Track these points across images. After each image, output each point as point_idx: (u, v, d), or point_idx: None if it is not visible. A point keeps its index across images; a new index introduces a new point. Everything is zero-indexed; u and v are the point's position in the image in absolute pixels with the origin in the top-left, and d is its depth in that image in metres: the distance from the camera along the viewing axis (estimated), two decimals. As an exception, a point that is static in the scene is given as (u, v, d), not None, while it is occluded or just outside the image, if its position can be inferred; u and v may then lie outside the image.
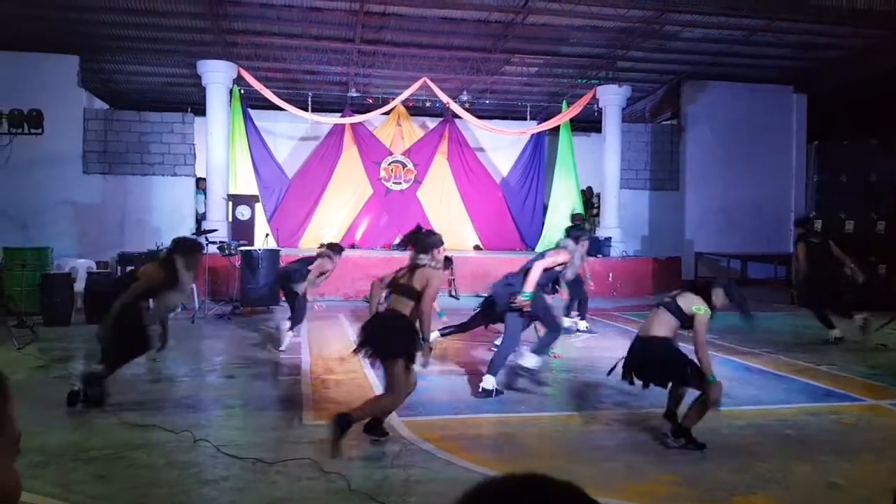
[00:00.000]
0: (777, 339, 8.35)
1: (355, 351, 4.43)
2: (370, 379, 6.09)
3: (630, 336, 8.43)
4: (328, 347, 7.66)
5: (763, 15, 11.56)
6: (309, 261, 7.80)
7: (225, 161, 12.76)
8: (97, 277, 9.14)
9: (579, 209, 14.67)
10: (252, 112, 13.85)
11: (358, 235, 14.55)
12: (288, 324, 7.55)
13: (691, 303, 4.32)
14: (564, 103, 14.73)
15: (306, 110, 13.50)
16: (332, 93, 14.53)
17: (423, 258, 4.46)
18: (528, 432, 4.75)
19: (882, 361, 7.14)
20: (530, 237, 14.99)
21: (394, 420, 4.77)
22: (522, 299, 5.59)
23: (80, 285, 9.18)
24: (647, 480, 3.89)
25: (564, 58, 13.37)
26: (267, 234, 12.61)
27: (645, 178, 15.34)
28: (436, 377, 6.22)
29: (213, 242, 10.15)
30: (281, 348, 7.35)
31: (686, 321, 4.34)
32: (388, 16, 11.16)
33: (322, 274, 7.78)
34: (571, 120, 14.63)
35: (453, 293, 11.60)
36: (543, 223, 14.93)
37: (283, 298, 8.25)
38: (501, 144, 15.43)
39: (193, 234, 11.86)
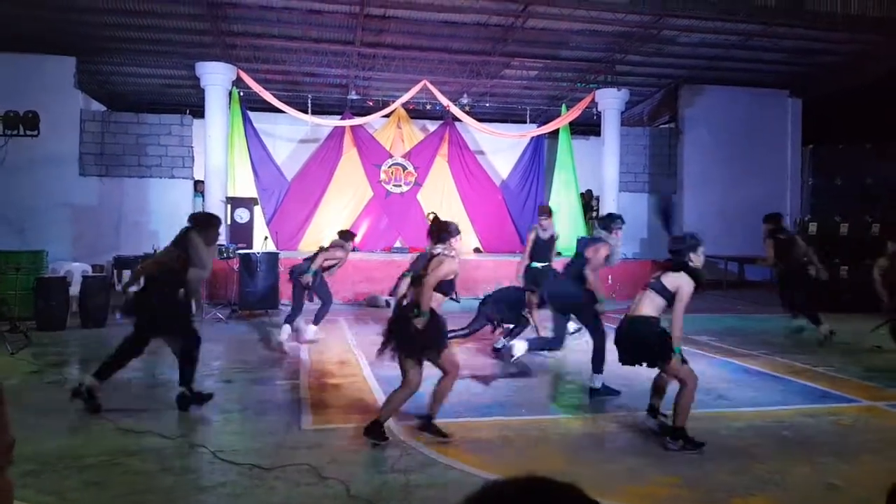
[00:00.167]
0: (774, 341, 8.36)
1: (381, 350, 4.51)
2: (369, 383, 6.06)
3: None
4: (327, 351, 7.62)
5: (759, 20, 11.62)
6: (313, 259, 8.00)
7: (223, 163, 12.73)
8: (92, 281, 9.08)
9: (578, 212, 14.67)
10: (251, 114, 13.82)
11: (358, 238, 14.45)
12: (310, 324, 8.07)
13: (681, 281, 4.43)
14: (564, 107, 14.73)
15: (306, 113, 13.48)
16: (332, 95, 14.52)
17: (439, 247, 4.54)
18: (529, 435, 4.73)
19: (878, 363, 7.18)
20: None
21: (393, 424, 4.73)
22: (601, 307, 6.01)
23: (75, 289, 9.13)
24: (647, 482, 3.88)
25: (564, 61, 13.39)
26: (266, 237, 12.56)
27: (643, 180, 15.35)
28: (434, 381, 6.17)
29: (212, 245, 10.10)
30: (308, 337, 7.94)
31: (672, 299, 4.46)
32: (388, 19, 11.16)
33: (334, 264, 8.05)
34: (571, 123, 14.64)
35: (454, 296, 11.55)
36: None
37: (291, 297, 8.29)
38: (501, 147, 15.42)
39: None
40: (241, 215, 12.43)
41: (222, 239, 11.49)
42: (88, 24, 11.42)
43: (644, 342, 4.47)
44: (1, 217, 11.94)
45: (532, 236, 8.27)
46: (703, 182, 14.96)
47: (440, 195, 14.73)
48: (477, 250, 14.84)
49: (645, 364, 4.53)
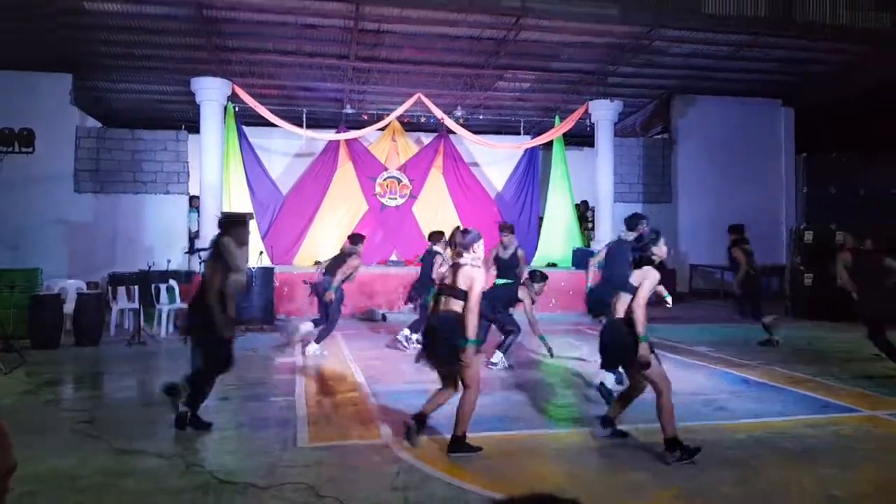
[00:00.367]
0: (772, 351, 8.35)
1: (419, 358, 4.68)
2: (367, 398, 6.01)
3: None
4: (324, 367, 7.58)
5: (749, 31, 11.73)
6: (333, 270, 8.14)
7: (219, 178, 12.71)
8: (87, 298, 9.02)
9: (574, 223, 14.68)
10: (246, 129, 13.82)
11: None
12: (310, 325, 8.26)
13: (645, 274, 4.52)
14: (557, 118, 14.79)
15: (301, 127, 13.49)
16: (327, 109, 14.54)
17: (465, 257, 4.58)
18: (528, 450, 4.69)
19: (878, 372, 7.16)
20: (525, 251, 14.93)
21: (391, 442, 4.70)
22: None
23: (69, 307, 9.07)
24: (649, 496, 3.86)
25: (556, 73, 13.46)
26: (261, 252, 12.52)
27: (638, 191, 15.39)
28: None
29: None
30: (317, 352, 8.02)
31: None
32: (383, 33, 11.21)
33: (352, 273, 8.23)
34: (564, 134, 14.69)
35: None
36: (539, 237, 14.92)
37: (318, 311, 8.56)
38: (496, 159, 15.46)
39: (186, 252, 11.80)
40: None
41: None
42: (84, 41, 11.44)
43: (621, 343, 4.52)
44: (-5, 235, 11.90)
45: (492, 256, 8.01)
46: (697, 191, 15.01)
47: (435, 207, 14.73)
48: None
49: (622, 367, 4.64)
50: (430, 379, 6.82)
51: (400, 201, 14.77)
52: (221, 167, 12.83)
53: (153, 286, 9.79)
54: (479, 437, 4.90)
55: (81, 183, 12.87)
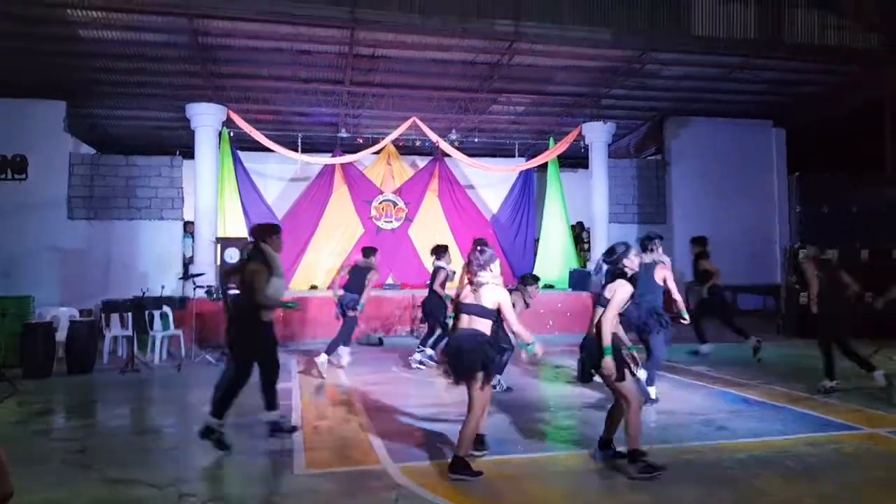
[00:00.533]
0: (770, 370, 8.33)
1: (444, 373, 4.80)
2: (365, 424, 5.93)
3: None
4: (321, 392, 7.49)
5: (739, 53, 11.88)
6: (355, 287, 8.59)
7: (213, 204, 12.69)
8: (80, 326, 8.93)
9: (569, 244, 14.71)
10: (241, 154, 13.85)
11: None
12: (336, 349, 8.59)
13: (616, 286, 4.63)
14: (551, 140, 14.88)
15: (296, 151, 13.52)
16: (323, 134, 14.60)
17: (484, 276, 4.69)
18: (528, 473, 4.63)
19: (874, 389, 7.13)
20: (522, 272, 14.90)
21: (390, 467, 4.62)
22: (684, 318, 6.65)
23: (61, 335, 8.97)
24: (651, 523, 3.77)
25: (550, 97, 13.56)
26: (256, 277, 12.47)
27: (633, 212, 15.44)
28: (433, 420, 6.08)
29: (201, 287, 9.99)
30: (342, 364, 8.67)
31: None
32: (377, 58, 11.30)
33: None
34: (559, 157, 14.77)
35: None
36: (535, 258, 14.92)
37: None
38: (491, 182, 15.51)
39: (180, 278, 11.72)
40: (232, 255, 12.32)
41: (212, 280, 11.43)
42: (79, 68, 11.48)
43: (593, 356, 4.62)
44: (-13, 262, 11.81)
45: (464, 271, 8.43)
46: (692, 212, 15.05)
47: (431, 230, 14.73)
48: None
49: (595, 375, 4.71)
50: (428, 403, 6.77)
51: (396, 224, 14.78)
52: (216, 192, 12.82)
53: (147, 313, 9.70)
54: (480, 462, 4.84)
55: (75, 210, 12.83)
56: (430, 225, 14.87)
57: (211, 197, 12.58)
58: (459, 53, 11.30)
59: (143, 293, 9.77)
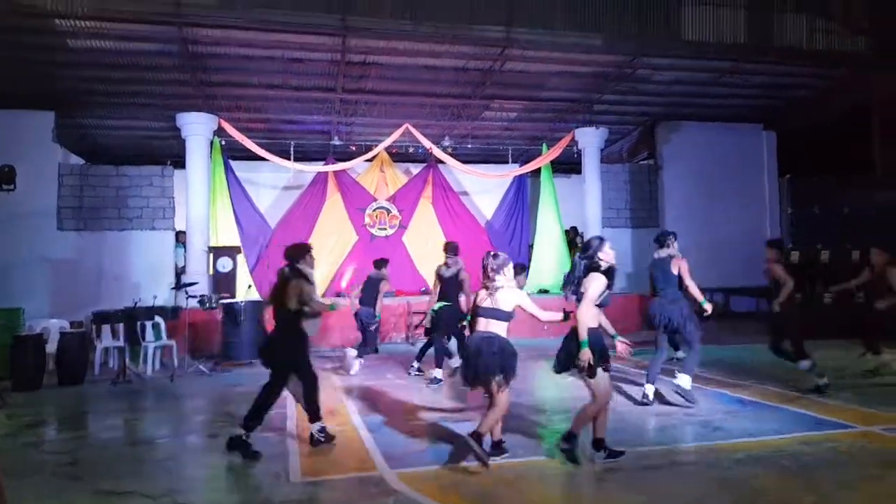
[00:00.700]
0: (763, 370, 8.33)
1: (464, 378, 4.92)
2: (359, 431, 5.88)
3: (621, 372, 8.34)
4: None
5: (729, 57, 11.96)
6: (369, 300, 9.10)
7: (205, 213, 12.62)
8: (70, 338, 8.84)
9: (563, 248, 14.70)
10: (233, 163, 13.77)
11: (343, 283, 14.30)
12: (355, 352, 8.99)
13: (590, 280, 4.77)
14: (544, 146, 14.91)
15: (289, 159, 13.47)
16: (315, 142, 14.56)
17: (500, 280, 4.87)
18: (527, 477, 4.59)
19: (869, 387, 7.24)
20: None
21: (386, 473, 4.58)
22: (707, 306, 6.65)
23: (52, 346, 8.87)
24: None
25: (542, 102, 13.59)
26: (249, 286, 12.40)
27: (626, 216, 15.48)
28: (428, 425, 6.03)
29: (193, 296, 9.92)
30: (351, 373, 8.83)
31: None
32: (369, 65, 11.29)
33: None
34: (552, 162, 14.80)
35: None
36: (529, 263, 14.90)
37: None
38: (485, 188, 15.51)
39: (172, 288, 11.64)
40: (224, 265, 12.27)
41: (204, 289, 11.35)
42: (67, 78, 11.41)
43: (570, 349, 4.76)
44: (-24, 274, 11.67)
45: (434, 276, 8.54)
46: (684, 215, 15.10)
47: (425, 237, 14.70)
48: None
49: (571, 370, 4.82)
50: (424, 409, 6.73)
51: (390, 232, 14.73)
52: (208, 202, 12.76)
53: (139, 323, 9.62)
54: (478, 466, 4.80)
55: (64, 220, 12.73)
56: (425, 232, 14.83)
57: (203, 206, 12.51)
58: (451, 60, 11.31)
59: (135, 303, 9.69)
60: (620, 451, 4.78)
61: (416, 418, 6.38)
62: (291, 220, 14.34)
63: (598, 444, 4.78)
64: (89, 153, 14.54)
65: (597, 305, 4.79)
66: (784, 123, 15.69)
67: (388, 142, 13.31)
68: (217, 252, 12.40)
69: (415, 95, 12.72)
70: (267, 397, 5.32)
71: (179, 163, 13.01)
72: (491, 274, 4.91)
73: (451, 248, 8.45)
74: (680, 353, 8.64)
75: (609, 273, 4.81)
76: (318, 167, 14.12)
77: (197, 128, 12.42)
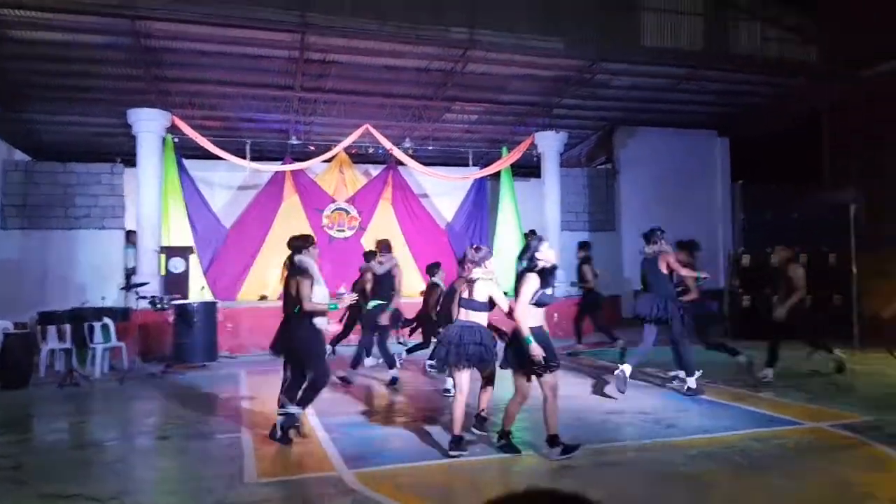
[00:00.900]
0: (715, 370, 8.47)
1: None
2: (316, 432, 5.78)
3: (579, 374, 8.42)
4: (270, 402, 7.25)
5: (686, 64, 12.25)
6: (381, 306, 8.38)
7: (157, 212, 12.27)
8: (14, 339, 8.47)
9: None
10: (188, 161, 13.44)
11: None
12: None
13: (523, 281, 4.85)
14: (504, 149, 15.00)
15: (245, 159, 13.20)
16: (272, 140, 14.31)
17: (476, 272, 5.08)
18: (487, 475, 4.57)
19: (815, 386, 7.47)
20: (475, 281, 14.97)
21: (344, 473, 4.51)
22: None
23: (-5, 348, 8.47)
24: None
25: (503, 105, 13.68)
26: (203, 287, 12.12)
27: (584, 220, 15.69)
28: (385, 425, 5.97)
29: (144, 297, 9.63)
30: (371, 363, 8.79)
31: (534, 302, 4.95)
32: (329, 63, 11.16)
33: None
34: (512, 165, 14.89)
35: (401, 340, 11.36)
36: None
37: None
38: (445, 190, 15.52)
39: (122, 288, 11.28)
40: (177, 265, 11.96)
41: (155, 289, 11.03)
42: (12, 70, 10.95)
43: (517, 348, 4.88)
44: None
45: (370, 274, 8.61)
46: (640, 219, 15.35)
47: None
48: (423, 293, 14.69)
49: (517, 367, 4.91)
50: (382, 409, 6.66)
51: (349, 233, 14.60)
52: (160, 201, 12.41)
53: (87, 325, 9.28)
54: (437, 465, 4.78)
55: (8, 219, 12.23)
56: (384, 233, 14.62)
57: (154, 205, 12.17)
58: (413, 60, 11.28)
59: (83, 304, 9.36)
60: (575, 446, 4.81)
61: (373, 418, 6.32)
62: (247, 221, 14.09)
63: (552, 440, 4.83)
64: (35, 149, 14.01)
65: (536, 305, 4.83)
66: (739, 130, 16.13)
67: (347, 142, 13.17)
68: (169, 252, 12.07)
69: (375, 96, 12.64)
70: (318, 385, 5.49)
71: (130, 160, 12.63)
72: (469, 265, 5.14)
73: (383, 245, 8.47)
74: (681, 373, 8.71)
75: (544, 273, 4.83)
76: (276, 167, 13.90)
77: (149, 124, 12.07)
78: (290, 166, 13.78)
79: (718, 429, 5.65)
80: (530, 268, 4.88)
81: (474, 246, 5.29)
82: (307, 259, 5.55)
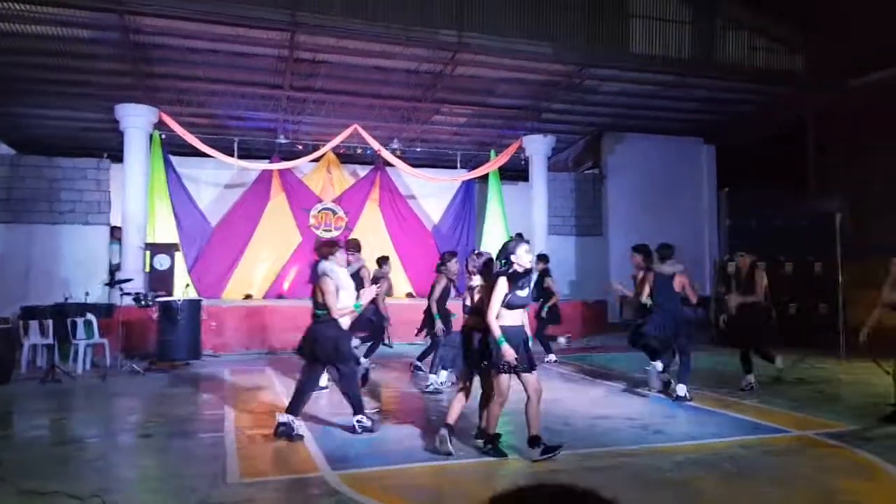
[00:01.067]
0: (702, 377, 8.55)
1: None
2: (301, 432, 5.74)
3: (566, 377, 8.45)
4: (254, 401, 7.23)
5: (673, 71, 12.35)
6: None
7: (143, 209, 12.18)
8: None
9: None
10: (175, 158, 13.35)
11: (286, 285, 14.11)
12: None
13: (496, 284, 4.87)
14: (493, 152, 15.04)
15: (232, 157, 13.13)
16: (260, 139, 14.25)
17: (476, 280, 5.37)
18: (471, 478, 4.57)
19: (801, 394, 7.50)
20: (462, 283, 14.90)
21: (328, 474, 4.48)
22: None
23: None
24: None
25: (492, 108, 13.72)
26: (187, 284, 12.02)
27: (571, 224, 15.76)
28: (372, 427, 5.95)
29: (128, 293, 9.54)
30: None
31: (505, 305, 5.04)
32: (319, 63, 11.14)
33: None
34: (500, 168, 14.93)
35: (387, 341, 11.34)
36: (474, 269, 14.98)
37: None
38: (432, 192, 15.52)
39: (106, 284, 11.17)
40: (161, 262, 11.88)
41: (139, 286, 10.93)
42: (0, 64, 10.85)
43: (485, 348, 4.99)
44: None
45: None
46: (626, 224, 15.49)
47: (371, 240, 14.55)
48: (409, 295, 14.70)
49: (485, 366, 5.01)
50: (366, 410, 6.63)
51: (335, 233, 14.55)
52: (146, 197, 12.32)
53: (70, 320, 9.18)
54: (423, 467, 4.77)
55: (-9, 213, 12.07)
56: (371, 234, 14.70)
57: (140, 202, 12.07)
58: (403, 62, 11.29)
59: (66, 299, 9.25)
60: (557, 446, 4.82)
61: (353, 419, 6.28)
62: (233, 219, 14.01)
63: (533, 441, 4.85)
64: (21, 143, 13.85)
65: (507, 307, 4.83)
66: (724, 137, 16.28)
67: (335, 142, 13.15)
68: (154, 249, 11.98)
69: (364, 96, 12.63)
70: (307, 383, 5.66)
71: (117, 156, 12.52)
72: (473, 270, 5.39)
73: (353, 245, 8.44)
74: (656, 365, 8.75)
75: (515, 276, 4.84)
76: (263, 165, 13.84)
77: (136, 120, 11.99)
78: (278, 165, 13.72)
79: (705, 435, 5.67)
80: (503, 271, 4.92)
81: (476, 252, 5.42)
82: (328, 266, 5.67)
